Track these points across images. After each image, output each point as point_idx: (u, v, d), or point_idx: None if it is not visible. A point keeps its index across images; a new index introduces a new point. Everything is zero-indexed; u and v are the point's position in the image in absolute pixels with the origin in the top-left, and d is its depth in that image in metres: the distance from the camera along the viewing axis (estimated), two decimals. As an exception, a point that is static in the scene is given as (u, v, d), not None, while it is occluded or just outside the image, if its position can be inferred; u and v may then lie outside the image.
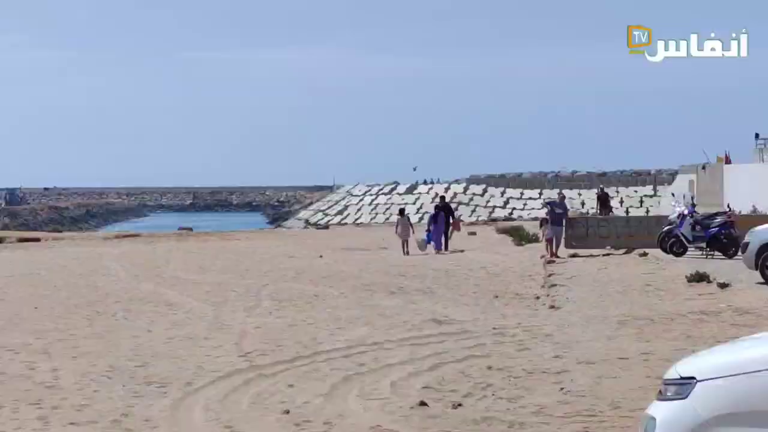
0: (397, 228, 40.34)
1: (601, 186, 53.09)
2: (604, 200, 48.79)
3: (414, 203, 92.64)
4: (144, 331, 18.88)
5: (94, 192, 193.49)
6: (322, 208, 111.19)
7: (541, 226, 35.09)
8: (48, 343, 17.68)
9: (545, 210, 39.38)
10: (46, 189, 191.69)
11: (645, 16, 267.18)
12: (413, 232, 40.19)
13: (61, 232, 69.77)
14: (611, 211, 45.31)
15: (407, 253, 38.24)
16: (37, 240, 54.02)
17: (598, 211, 46.86)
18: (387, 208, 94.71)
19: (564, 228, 35.06)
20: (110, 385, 13.84)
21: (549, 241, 33.58)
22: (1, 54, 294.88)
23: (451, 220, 41.18)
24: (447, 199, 52.04)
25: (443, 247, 39.41)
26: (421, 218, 69.87)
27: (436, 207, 41.48)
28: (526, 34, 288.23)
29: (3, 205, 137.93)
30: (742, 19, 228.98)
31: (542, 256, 32.83)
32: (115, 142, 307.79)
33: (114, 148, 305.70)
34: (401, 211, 43.19)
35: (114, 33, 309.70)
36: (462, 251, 38.55)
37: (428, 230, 39.87)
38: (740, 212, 36.47)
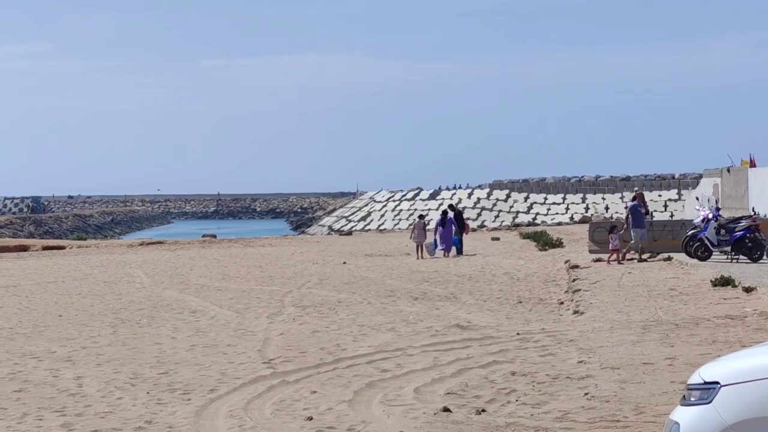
0: (413, 232, 40.80)
1: (636, 188, 52.36)
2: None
3: (437, 209, 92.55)
4: (168, 339, 18.93)
5: (118, 200, 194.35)
6: (346, 215, 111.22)
7: (610, 232, 32.61)
8: (72, 350, 17.75)
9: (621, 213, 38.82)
10: (70, 197, 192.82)
11: (667, 16, 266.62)
12: (426, 237, 40.50)
13: (85, 239, 69.99)
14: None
15: (421, 257, 38.61)
16: (62, 248, 54.27)
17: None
18: (410, 214, 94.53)
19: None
20: (134, 392, 13.88)
21: (616, 251, 31.87)
22: (26, 62, 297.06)
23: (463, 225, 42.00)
24: (465, 205, 52.38)
25: (456, 251, 40.27)
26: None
27: (443, 212, 42.14)
28: (547, 39, 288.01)
29: (27, 214, 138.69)
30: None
31: (617, 259, 31.63)
32: (138, 150, 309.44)
33: (138, 156, 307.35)
34: (420, 216, 43.62)
35: (136, 42, 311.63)
36: (475, 255, 38.61)
37: (435, 237, 40.76)
38: (765, 216, 36.23)
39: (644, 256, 31.94)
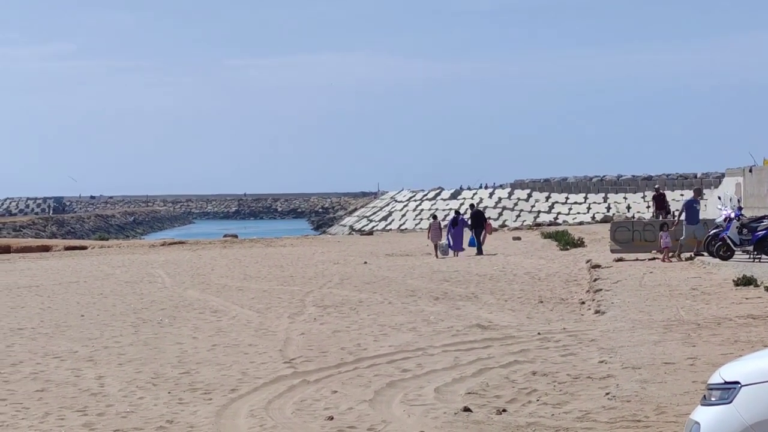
0: (429, 232, 41.64)
1: (657, 186, 52.04)
2: (660, 201, 47.74)
3: (459, 209, 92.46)
4: (189, 338, 18.97)
5: (139, 200, 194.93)
6: (367, 215, 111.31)
7: (662, 228, 31.92)
8: (94, 350, 17.81)
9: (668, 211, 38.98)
10: (92, 197, 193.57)
11: (690, 13, 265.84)
12: (442, 237, 40.79)
13: (107, 240, 70.26)
14: (668, 212, 44.38)
15: (439, 256, 38.94)
16: (84, 248, 54.51)
17: (654, 213, 45.97)
18: (431, 214, 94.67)
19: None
20: (155, 392, 13.91)
21: (668, 249, 31.42)
22: (49, 63, 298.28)
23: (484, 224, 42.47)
24: (486, 205, 52.81)
25: (477, 250, 40.68)
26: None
27: (456, 213, 43.16)
28: (569, 37, 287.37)
29: (50, 214, 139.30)
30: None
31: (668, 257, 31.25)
32: (160, 150, 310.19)
33: (159, 156, 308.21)
34: (434, 216, 44.27)
35: (157, 42, 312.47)
36: (496, 254, 38.60)
37: (447, 237, 41.18)
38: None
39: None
